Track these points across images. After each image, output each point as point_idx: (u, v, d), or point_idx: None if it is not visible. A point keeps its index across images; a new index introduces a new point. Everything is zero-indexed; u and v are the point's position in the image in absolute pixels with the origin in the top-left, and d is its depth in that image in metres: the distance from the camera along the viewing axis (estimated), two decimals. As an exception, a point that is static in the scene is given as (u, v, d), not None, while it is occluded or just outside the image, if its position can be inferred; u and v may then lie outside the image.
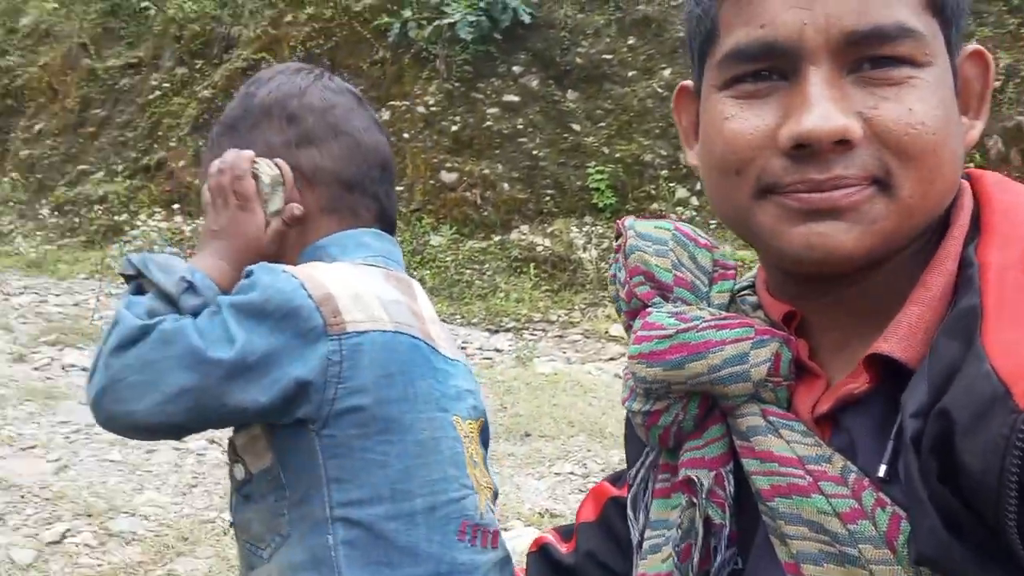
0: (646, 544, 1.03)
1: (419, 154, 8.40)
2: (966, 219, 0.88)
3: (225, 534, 3.74)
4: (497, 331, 7.39)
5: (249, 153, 1.27)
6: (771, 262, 0.97)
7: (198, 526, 3.80)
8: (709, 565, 0.95)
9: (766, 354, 0.91)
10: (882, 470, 0.83)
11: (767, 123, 0.85)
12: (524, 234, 7.52)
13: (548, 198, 7.63)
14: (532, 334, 7.32)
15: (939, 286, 0.85)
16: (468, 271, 7.74)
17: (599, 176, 7.64)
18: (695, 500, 0.96)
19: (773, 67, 0.85)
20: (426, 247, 8.00)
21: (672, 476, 1.02)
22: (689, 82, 0.99)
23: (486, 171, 8.03)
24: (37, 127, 11.21)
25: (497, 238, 7.74)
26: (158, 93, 10.26)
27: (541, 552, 1.27)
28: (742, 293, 1.06)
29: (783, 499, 0.87)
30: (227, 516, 3.96)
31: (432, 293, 7.63)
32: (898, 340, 0.84)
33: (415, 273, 8.04)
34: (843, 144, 0.81)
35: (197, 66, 10.11)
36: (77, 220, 10.20)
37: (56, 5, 11.51)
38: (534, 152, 7.99)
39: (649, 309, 0.98)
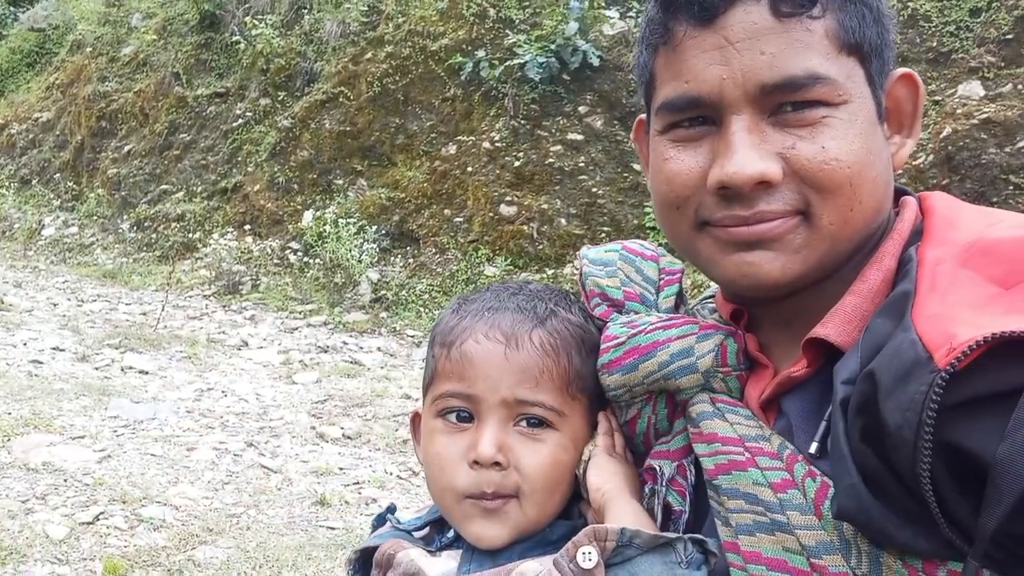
0: None
1: (481, 187, 8.54)
2: (907, 227, 0.96)
3: (248, 528, 3.80)
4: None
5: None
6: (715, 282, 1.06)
7: (224, 519, 3.88)
8: None
9: (710, 345, 0.99)
10: (813, 447, 0.88)
11: (700, 165, 0.95)
12: (577, 269, 7.54)
13: (604, 235, 7.64)
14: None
15: (876, 280, 0.92)
16: (521, 304, 7.76)
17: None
18: (655, 488, 1.01)
19: (702, 115, 0.95)
20: (480, 276, 8.09)
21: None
22: (643, 116, 1.10)
23: (544, 206, 8.11)
24: (126, 148, 11.83)
25: (551, 271, 7.78)
26: (241, 121, 10.73)
27: None
28: (704, 301, 1.17)
29: (724, 476, 0.93)
30: (253, 512, 4.03)
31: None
32: (835, 326, 0.90)
33: (468, 303, 8.12)
34: (764, 184, 0.90)
35: (279, 97, 10.55)
36: (154, 236, 10.66)
37: (155, 37, 12.20)
38: (593, 189, 8.04)
39: (608, 324, 1.07)
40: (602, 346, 1.05)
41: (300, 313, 8.61)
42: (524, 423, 1.06)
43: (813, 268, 0.93)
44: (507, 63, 8.64)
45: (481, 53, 8.93)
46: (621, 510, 1.01)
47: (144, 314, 8.47)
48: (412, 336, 7.87)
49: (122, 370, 6.45)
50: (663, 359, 0.99)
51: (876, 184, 0.92)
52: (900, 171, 1.00)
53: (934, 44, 7.42)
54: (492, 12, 9.11)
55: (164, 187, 11.11)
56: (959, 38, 7.33)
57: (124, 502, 3.96)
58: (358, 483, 4.52)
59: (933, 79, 7.30)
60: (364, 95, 9.64)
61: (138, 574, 3.27)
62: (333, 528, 3.92)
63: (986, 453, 0.72)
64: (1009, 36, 7.08)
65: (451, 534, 1.12)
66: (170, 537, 3.64)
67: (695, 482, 1.01)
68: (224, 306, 8.96)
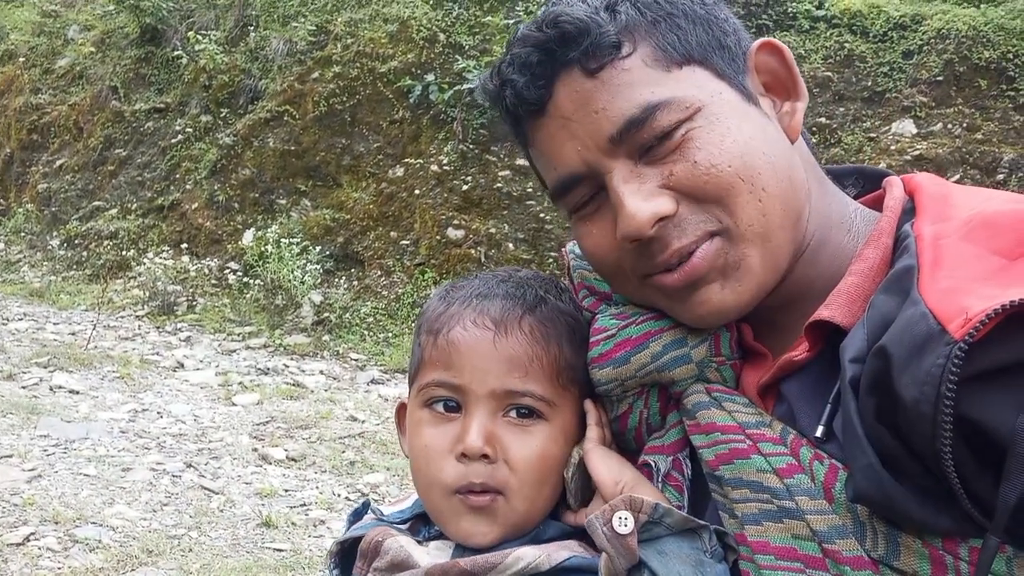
0: None
1: (428, 210, 8.51)
2: (898, 205, 0.96)
3: (190, 550, 3.64)
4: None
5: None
6: None
7: (164, 541, 3.71)
8: None
9: (704, 335, 0.98)
10: (819, 430, 0.87)
11: (607, 233, 0.96)
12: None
13: (552, 260, 7.68)
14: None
15: (875, 258, 0.91)
16: (467, 328, 7.72)
17: (604, 244, 7.70)
18: (652, 484, 0.99)
19: (591, 187, 0.96)
20: (426, 300, 8.02)
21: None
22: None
23: (492, 230, 8.11)
24: (58, 162, 11.44)
25: (498, 296, 7.77)
26: (180, 137, 10.49)
27: None
28: None
29: (726, 466, 0.91)
30: (195, 534, 3.87)
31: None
32: (838, 307, 0.89)
33: (413, 325, 8.03)
34: (663, 220, 0.91)
35: (222, 114, 10.36)
36: (85, 254, 10.30)
37: (93, 50, 11.89)
38: (541, 215, 8.08)
39: (596, 316, 1.05)
40: (591, 339, 1.03)
41: (239, 335, 8.38)
42: (513, 413, 1.03)
43: (766, 273, 0.93)
44: (456, 88, 8.67)
45: (430, 77, 8.95)
46: (648, 491, 0.98)
47: (73, 334, 8.13)
48: (356, 359, 7.73)
49: (51, 389, 6.16)
50: (656, 350, 0.98)
51: (773, 164, 0.92)
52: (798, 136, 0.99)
53: (869, 83, 7.73)
54: (442, 37, 9.15)
55: (97, 203, 10.76)
56: (892, 79, 7.65)
57: (57, 522, 3.76)
58: (305, 505, 4.38)
59: (868, 117, 7.59)
60: (310, 114, 9.54)
61: (74, 597, 3.09)
62: (280, 550, 3.79)
63: (1005, 425, 0.71)
64: (939, 78, 7.43)
65: (438, 527, 1.08)
66: (107, 558, 3.46)
67: (692, 477, 0.99)
68: (158, 327, 8.67)
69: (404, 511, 1.14)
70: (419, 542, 1.06)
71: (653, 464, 1.00)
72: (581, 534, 1.03)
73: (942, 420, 0.71)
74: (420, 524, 1.10)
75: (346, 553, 1.11)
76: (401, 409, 1.16)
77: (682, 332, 0.98)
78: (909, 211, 0.94)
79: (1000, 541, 0.72)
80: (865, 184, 1.09)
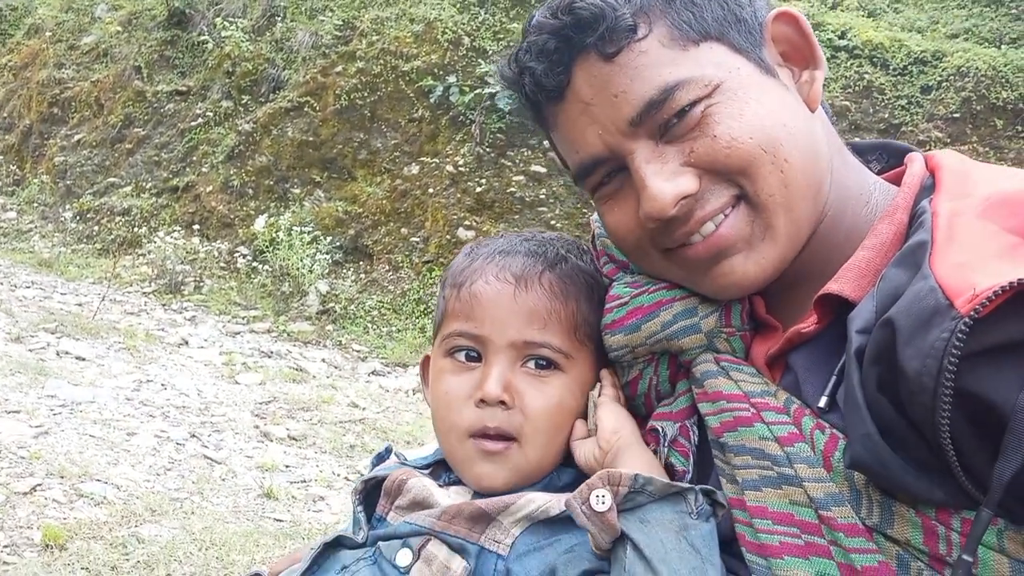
0: None
1: (440, 209, 8.58)
2: (917, 181, 0.97)
3: (193, 513, 3.68)
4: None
5: None
6: None
7: (167, 502, 3.76)
8: None
9: (715, 305, 0.99)
10: (823, 400, 0.88)
11: (629, 211, 0.98)
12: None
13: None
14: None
15: (889, 234, 0.92)
16: (471, 327, 7.76)
17: (613, 254, 7.75)
18: (658, 449, 1.01)
19: (611, 168, 0.98)
20: (432, 297, 8.07)
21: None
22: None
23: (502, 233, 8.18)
24: (76, 137, 11.52)
25: (505, 298, 7.81)
26: (200, 120, 10.57)
27: None
28: None
29: (730, 433, 0.92)
30: (197, 499, 3.91)
31: (432, 343, 7.63)
32: (848, 281, 0.90)
33: (417, 321, 8.08)
34: (686, 199, 0.92)
35: (243, 101, 10.45)
36: (96, 228, 10.35)
37: (119, 29, 11.99)
38: (552, 222, 8.15)
39: (612, 283, 1.08)
40: (606, 306, 1.06)
41: (243, 319, 8.43)
42: (532, 364, 1.07)
43: (789, 243, 0.93)
44: (477, 91, 8.76)
45: (452, 79, 9.04)
46: (636, 455, 1.01)
47: (80, 305, 8.18)
48: (358, 351, 7.77)
49: (58, 354, 6.20)
50: (666, 319, 0.99)
51: (794, 135, 0.92)
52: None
53: (886, 115, 7.82)
54: (467, 40, 9.25)
55: (112, 180, 10.83)
56: (910, 112, 7.74)
57: (63, 476, 3.80)
58: (305, 481, 4.43)
59: (882, 148, 7.67)
60: (331, 107, 9.63)
61: (79, 544, 3.13)
62: (280, 520, 3.83)
63: (1006, 402, 0.72)
64: (956, 115, 7.51)
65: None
66: (111, 513, 3.50)
67: (698, 443, 1.00)
68: (164, 305, 8.71)
69: (427, 457, 1.19)
70: (440, 485, 1.10)
71: (661, 429, 1.01)
72: None
73: (942, 393, 0.72)
74: (441, 470, 1.14)
75: (369, 492, 1.15)
76: (425, 362, 1.21)
77: (693, 302, 0.99)
78: (929, 187, 0.95)
79: (993, 514, 0.73)
80: (889, 159, 1.09)
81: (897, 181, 1.01)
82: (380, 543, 1.04)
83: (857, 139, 1.12)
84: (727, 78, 0.92)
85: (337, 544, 1.09)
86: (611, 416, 1.06)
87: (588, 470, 1.05)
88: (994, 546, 0.76)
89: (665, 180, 0.92)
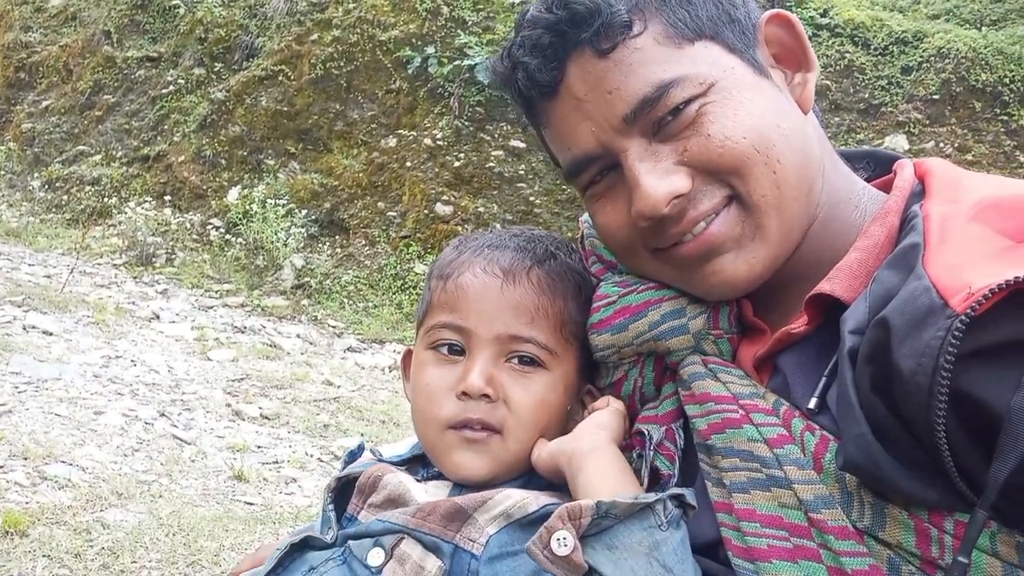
0: None
1: (418, 183, 8.47)
2: (907, 186, 0.97)
3: (160, 496, 3.62)
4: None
5: None
6: None
7: (134, 485, 3.68)
8: None
9: (703, 307, 0.98)
10: (813, 402, 0.87)
11: (621, 210, 0.97)
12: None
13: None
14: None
15: (881, 236, 0.92)
16: (448, 303, 7.71)
17: (591, 231, 7.71)
18: (643, 453, 0.99)
19: (603, 165, 0.97)
20: (409, 273, 8.00)
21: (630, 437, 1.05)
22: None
23: (481, 208, 8.10)
24: (45, 103, 11.23)
25: (482, 275, 7.76)
26: (172, 88, 10.34)
27: None
28: None
29: (718, 435, 0.91)
30: (165, 481, 3.84)
31: (408, 319, 7.59)
32: (840, 281, 0.90)
33: (394, 297, 8.01)
34: (679, 198, 0.91)
35: (216, 68, 10.22)
36: (66, 198, 10.14)
37: (88, -8, 11.67)
38: (531, 198, 8.08)
39: (600, 283, 1.07)
40: (593, 305, 1.05)
41: (216, 292, 8.31)
42: (516, 360, 1.05)
43: (780, 243, 0.93)
44: (456, 63, 8.63)
45: (431, 50, 8.89)
46: (598, 459, 0.97)
47: (48, 277, 8.01)
48: (334, 326, 7.69)
49: (24, 328, 6.07)
50: (654, 319, 0.99)
51: (787, 136, 0.92)
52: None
53: (866, 96, 7.79)
54: (445, 10, 9.09)
55: (81, 148, 10.59)
56: (890, 93, 7.72)
57: (26, 458, 3.71)
58: (277, 462, 4.37)
59: (863, 128, 7.66)
60: (305, 76, 9.45)
61: (41, 531, 3.06)
62: (251, 503, 3.78)
63: (1000, 402, 0.71)
64: (935, 96, 7.50)
65: (436, 467, 1.09)
66: (76, 497, 3.43)
67: (684, 447, 1.00)
68: (135, 277, 8.56)
69: (402, 454, 1.15)
70: (418, 480, 1.07)
71: (646, 433, 1.00)
72: None
73: (938, 392, 0.72)
74: (419, 465, 1.12)
75: (342, 491, 1.11)
76: (407, 355, 1.18)
77: (681, 303, 0.99)
78: (918, 193, 0.95)
79: (987, 516, 0.73)
80: (876, 168, 1.10)
81: (885, 189, 1.01)
82: (351, 542, 1.00)
83: (844, 147, 1.09)
84: (721, 77, 0.92)
85: (304, 545, 1.04)
86: (586, 424, 1.03)
87: (550, 473, 1.02)
88: (987, 549, 0.75)
89: (658, 178, 0.91)
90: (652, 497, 0.88)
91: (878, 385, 0.77)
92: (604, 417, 1.05)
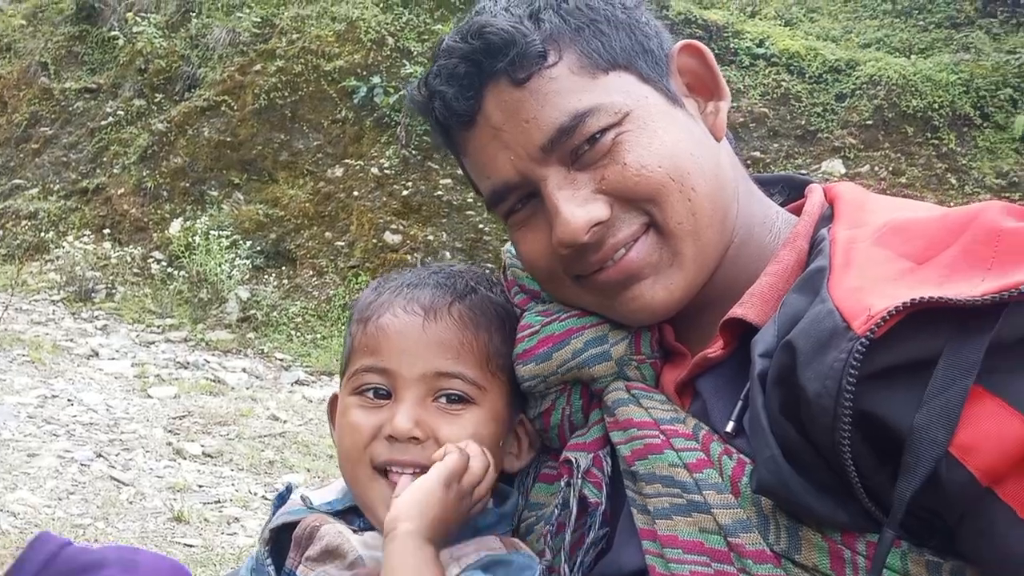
0: (522, 526, 1.07)
1: (366, 213, 8.42)
2: (816, 210, 0.99)
3: (96, 541, 3.49)
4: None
5: None
6: None
7: (69, 530, 3.55)
8: (581, 546, 0.96)
9: (624, 333, 0.99)
10: (730, 425, 0.89)
11: (542, 238, 0.98)
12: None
13: (488, 271, 7.70)
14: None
15: (791, 260, 0.94)
16: (397, 333, 7.64)
17: (539, 258, 7.76)
18: (571, 481, 0.99)
19: (524, 193, 0.98)
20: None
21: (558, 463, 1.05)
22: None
23: (430, 237, 8.08)
24: (-22, 136, 10.93)
25: (431, 304, 7.72)
26: (111, 119, 10.15)
27: None
28: None
29: (641, 461, 0.92)
30: (101, 524, 3.71)
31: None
32: (751, 306, 0.91)
33: (343, 328, 7.92)
34: (598, 225, 0.92)
35: (156, 99, 10.07)
36: (1, 233, 9.84)
37: (24, 23, 11.44)
38: (480, 225, 8.09)
39: (524, 313, 1.07)
40: (517, 335, 1.05)
41: (158, 327, 8.11)
42: (443, 399, 1.04)
43: (697, 269, 0.95)
44: (402, 93, 8.63)
45: (376, 79, 8.89)
46: (398, 551, 0.91)
47: (-18, 314, 7.74)
48: (281, 359, 7.56)
49: (-47, 369, 5.85)
50: (577, 347, 0.99)
51: (700, 164, 0.94)
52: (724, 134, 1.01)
53: (803, 122, 8.00)
54: (391, 40, 9.12)
55: (17, 181, 10.31)
56: (825, 119, 7.94)
57: (-48, 507, 3.56)
58: (219, 502, 4.25)
59: (800, 154, 7.86)
60: (249, 107, 9.36)
61: (-33, 584, 2.92)
62: (191, 545, 3.66)
63: (903, 421, 0.73)
64: (869, 122, 7.74)
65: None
66: (6, 545, 3.28)
67: (612, 473, 1.00)
68: (74, 313, 8.32)
69: (333, 502, 1.12)
70: (354, 531, 1.05)
71: (574, 460, 1.00)
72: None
73: (842, 414, 0.73)
74: (354, 515, 1.09)
75: (277, 539, 1.08)
76: (333, 401, 1.15)
77: (603, 329, 1.00)
78: (828, 217, 0.97)
79: (895, 535, 0.74)
80: (791, 192, 1.12)
81: (798, 212, 1.03)
82: None
83: (760, 173, 1.11)
84: (636, 107, 0.93)
85: None
86: (411, 493, 0.95)
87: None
88: (899, 569, 0.76)
89: (578, 206, 0.92)
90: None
91: (787, 408, 0.78)
92: (425, 485, 0.95)
